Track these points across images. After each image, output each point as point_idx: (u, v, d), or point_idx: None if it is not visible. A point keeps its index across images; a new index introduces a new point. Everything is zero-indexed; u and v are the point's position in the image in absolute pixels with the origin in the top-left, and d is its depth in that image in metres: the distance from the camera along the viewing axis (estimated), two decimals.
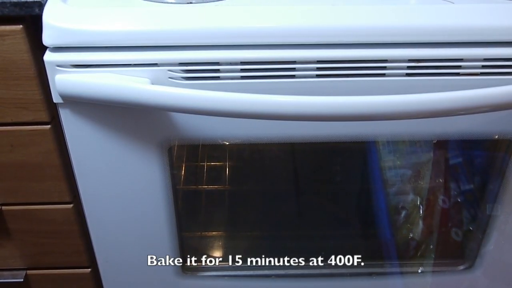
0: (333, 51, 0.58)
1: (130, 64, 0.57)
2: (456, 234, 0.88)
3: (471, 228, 0.84)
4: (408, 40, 0.58)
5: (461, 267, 0.84)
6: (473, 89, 0.57)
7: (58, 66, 0.57)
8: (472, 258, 0.82)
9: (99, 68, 0.57)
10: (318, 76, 0.59)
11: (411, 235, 0.91)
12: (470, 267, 0.83)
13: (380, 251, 0.92)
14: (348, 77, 0.59)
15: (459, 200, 0.87)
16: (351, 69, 0.59)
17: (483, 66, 0.59)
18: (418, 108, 0.56)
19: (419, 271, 0.86)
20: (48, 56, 0.57)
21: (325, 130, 0.65)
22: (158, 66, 0.58)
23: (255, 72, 0.58)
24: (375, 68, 0.59)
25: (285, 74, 0.59)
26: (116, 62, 0.57)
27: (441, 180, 0.88)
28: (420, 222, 0.90)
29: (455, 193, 0.88)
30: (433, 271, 0.86)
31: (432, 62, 0.59)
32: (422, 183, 0.89)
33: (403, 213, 0.91)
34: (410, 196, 0.91)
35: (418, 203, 0.90)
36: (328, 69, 0.59)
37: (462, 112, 0.58)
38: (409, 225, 0.91)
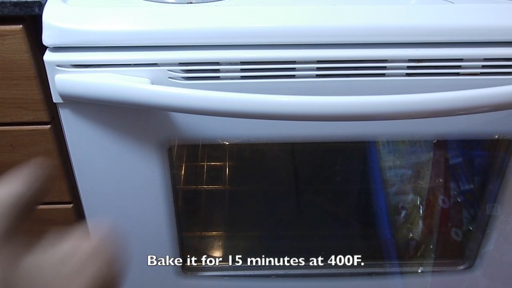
0: (333, 51, 0.58)
1: (130, 64, 0.57)
2: (456, 234, 0.88)
3: (471, 228, 0.84)
4: (408, 40, 0.58)
5: (461, 267, 0.84)
6: (473, 89, 0.57)
7: (58, 66, 0.57)
8: (472, 258, 0.82)
9: (99, 68, 0.57)
10: (318, 76, 0.59)
11: (411, 235, 0.91)
12: (470, 267, 0.83)
13: (380, 251, 0.92)
14: (348, 77, 0.59)
15: (459, 200, 0.87)
16: (351, 69, 0.59)
17: (483, 66, 0.59)
18: (418, 108, 0.56)
19: (419, 271, 0.86)
20: (48, 56, 0.57)
21: (325, 130, 0.65)
22: (158, 66, 0.58)
23: (255, 72, 0.58)
24: (375, 68, 0.59)
25: (285, 74, 0.59)
26: (116, 62, 0.57)
27: (441, 180, 0.88)
28: (420, 222, 0.90)
29: (455, 193, 0.87)
30: (433, 271, 0.86)
31: (432, 62, 0.59)
32: (422, 183, 0.89)
33: (403, 213, 0.91)
34: (410, 196, 0.90)
35: (418, 203, 0.90)
36: (328, 69, 0.59)
37: (462, 112, 0.58)
38: (409, 225, 0.91)
